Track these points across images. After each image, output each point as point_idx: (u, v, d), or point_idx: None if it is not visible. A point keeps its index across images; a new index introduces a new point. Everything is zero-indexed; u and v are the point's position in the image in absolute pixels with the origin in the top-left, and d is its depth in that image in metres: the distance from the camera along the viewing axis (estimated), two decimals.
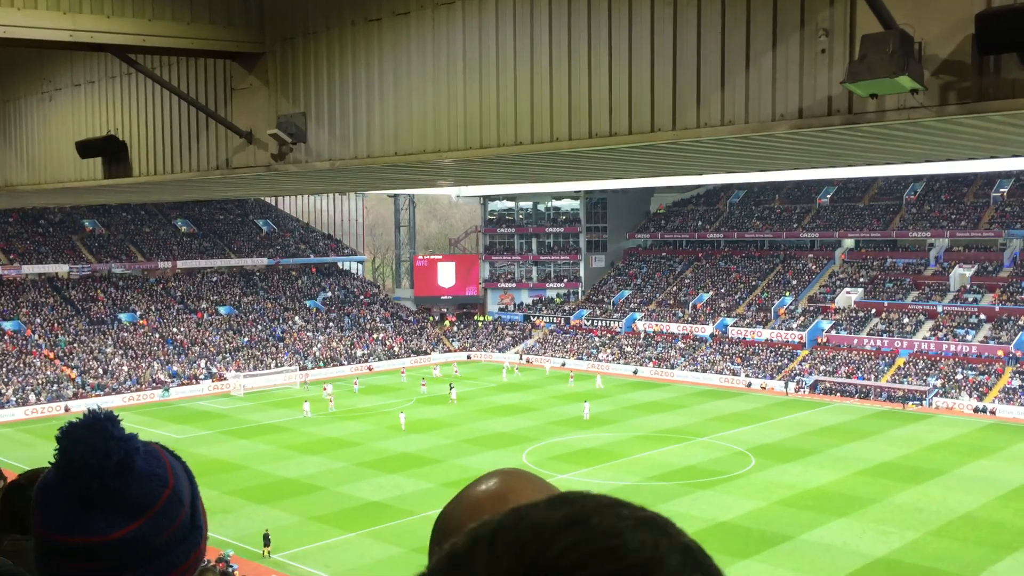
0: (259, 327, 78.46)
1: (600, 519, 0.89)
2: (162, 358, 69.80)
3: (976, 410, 57.89)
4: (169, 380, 67.23)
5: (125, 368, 66.96)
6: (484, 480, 1.41)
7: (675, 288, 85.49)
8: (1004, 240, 72.81)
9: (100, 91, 17.79)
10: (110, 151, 17.11)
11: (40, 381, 62.73)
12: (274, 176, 15.99)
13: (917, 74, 8.56)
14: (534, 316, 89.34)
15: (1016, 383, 59.67)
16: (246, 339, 75.88)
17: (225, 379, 68.59)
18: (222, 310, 79.15)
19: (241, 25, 14.40)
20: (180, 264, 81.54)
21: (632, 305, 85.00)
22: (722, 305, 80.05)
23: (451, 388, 63.56)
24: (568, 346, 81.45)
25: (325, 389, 62.32)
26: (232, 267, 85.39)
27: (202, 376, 68.88)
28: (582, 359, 77.93)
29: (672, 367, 73.14)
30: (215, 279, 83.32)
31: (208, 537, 1.76)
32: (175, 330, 74.23)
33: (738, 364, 71.02)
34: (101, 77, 17.70)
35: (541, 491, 1.38)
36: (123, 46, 13.88)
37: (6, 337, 66.90)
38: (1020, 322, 64.91)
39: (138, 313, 74.73)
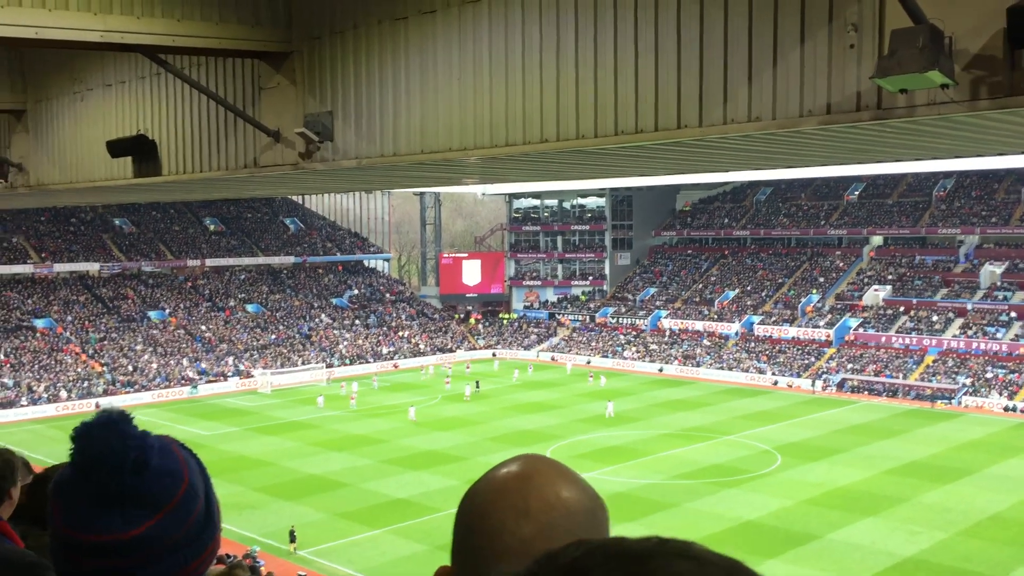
0: (286, 325, 79.00)
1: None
2: (191, 355, 70.47)
3: (1006, 409, 57.22)
4: (197, 377, 67.87)
5: (155, 365, 67.67)
6: (508, 463, 1.46)
7: (701, 286, 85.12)
8: None
9: (130, 91, 17.99)
10: (140, 150, 17.30)
11: (71, 378, 63.54)
12: (301, 175, 16.10)
13: (947, 69, 8.48)
14: (559, 314, 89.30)
15: None
16: (273, 336, 76.45)
17: (252, 376, 69.15)
18: (250, 308, 79.79)
19: (268, 25, 14.51)
20: (208, 262, 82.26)
21: (658, 303, 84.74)
22: (748, 303, 79.62)
23: (477, 385, 63.82)
24: (593, 344, 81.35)
25: (342, 387, 62.65)
26: (260, 265, 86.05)
27: (230, 373, 69.48)
28: (607, 357, 77.82)
29: (698, 365, 72.86)
30: (243, 277, 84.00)
31: (222, 529, 1.78)
32: (203, 328, 74.90)
33: (764, 362, 70.62)
34: (131, 77, 17.90)
35: (563, 474, 1.41)
36: (153, 46, 14.03)
37: (38, 334, 67.82)
38: None
39: (167, 311, 75.50)
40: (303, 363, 73.13)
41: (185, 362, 69.32)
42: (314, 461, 45.20)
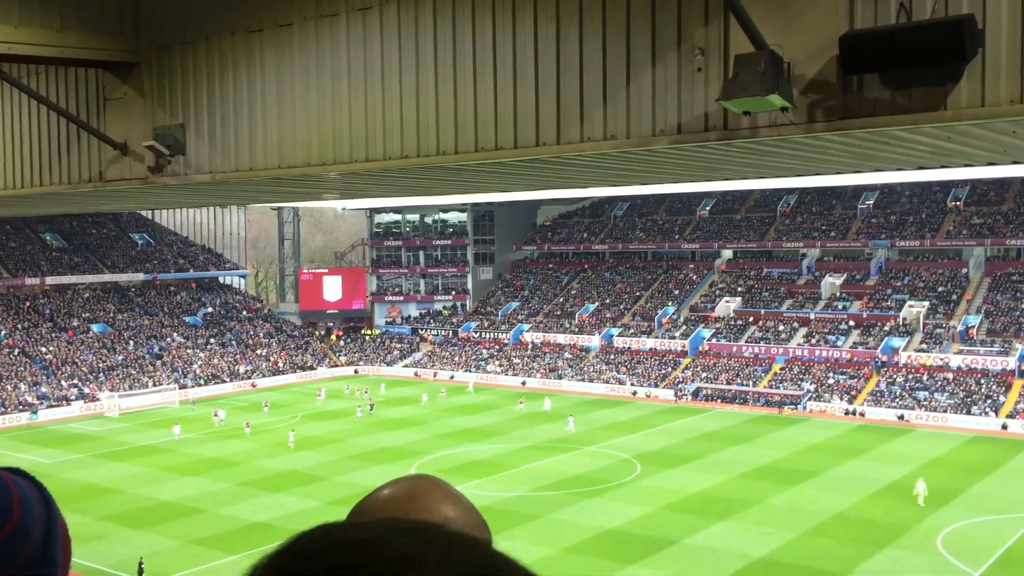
0: (135, 345, 75.57)
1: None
2: (29, 379, 66.39)
3: (847, 412, 60.61)
4: (37, 402, 63.99)
5: None
6: (395, 482, 1.46)
7: (562, 299, 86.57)
8: (870, 250, 76.65)
9: None
10: None
11: None
12: (151, 189, 15.47)
13: (787, 93, 8.95)
14: (422, 329, 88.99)
15: (883, 386, 62.80)
16: (120, 357, 72.96)
17: (98, 400, 65.74)
18: (95, 328, 75.91)
19: (114, 33, 13.90)
20: (49, 280, 77.89)
21: (520, 317, 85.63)
22: (607, 315, 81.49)
23: (371, 408, 62.01)
24: (456, 359, 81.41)
25: (216, 415, 59.55)
26: (106, 283, 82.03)
27: (73, 397, 65.84)
28: (471, 371, 78.00)
29: (560, 377, 73.99)
30: (87, 295, 79.88)
31: (69, 566, 1.65)
32: (44, 349, 70.76)
33: (624, 373, 72.38)
34: None
35: (448, 495, 1.43)
36: None
37: None
38: (886, 328, 68.37)
39: (3, 332, 70.92)
40: (154, 384, 70.07)
41: (23, 386, 65.23)
42: (166, 487, 43.34)
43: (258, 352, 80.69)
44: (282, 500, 40.67)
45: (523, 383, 73.86)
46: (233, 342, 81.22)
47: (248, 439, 53.89)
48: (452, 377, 76.86)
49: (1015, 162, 13.55)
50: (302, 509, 39.02)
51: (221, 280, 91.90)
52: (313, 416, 61.39)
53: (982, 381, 60.40)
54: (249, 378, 75.87)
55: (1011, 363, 60.81)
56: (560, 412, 60.04)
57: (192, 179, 14.17)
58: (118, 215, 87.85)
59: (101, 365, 70.95)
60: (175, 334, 79.27)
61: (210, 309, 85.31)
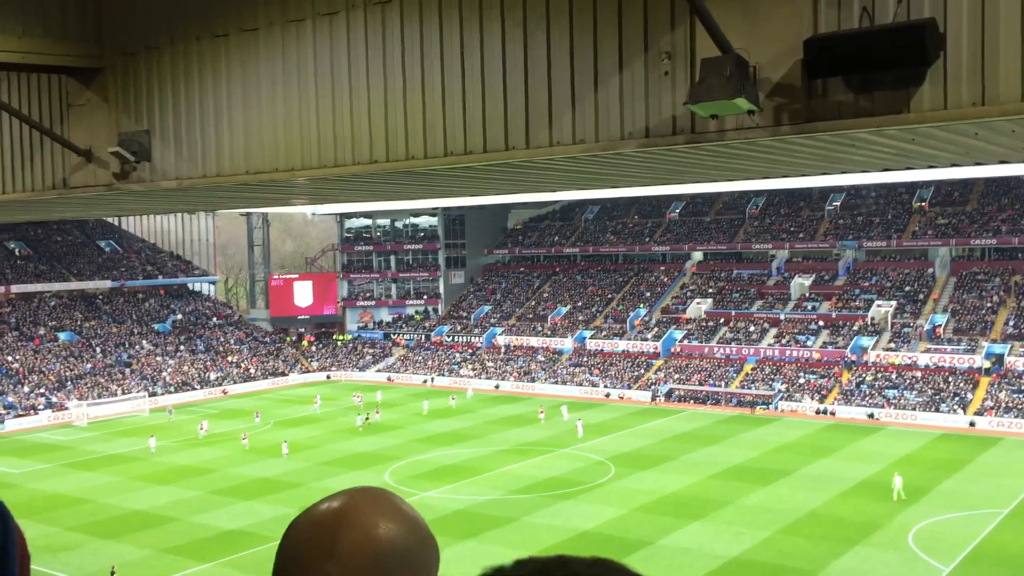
0: (103, 353, 74.69)
1: None
2: None
3: (818, 412, 61.14)
4: (4, 411, 63.08)
5: None
6: (332, 497, 1.45)
7: (534, 302, 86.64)
8: (838, 251, 77.42)
9: None
10: None
11: None
12: (117, 196, 15.31)
13: (753, 96, 9.01)
14: (394, 334, 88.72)
15: (853, 385, 63.41)
16: (89, 366, 72.09)
17: (66, 408, 64.90)
18: (62, 336, 74.96)
19: (77, 39, 13.74)
20: (14, 288, 76.85)
21: (492, 320, 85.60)
22: (580, 318, 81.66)
23: (367, 417, 60.13)
24: (429, 363, 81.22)
25: (202, 427, 58.14)
26: (72, 291, 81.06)
27: (41, 406, 64.96)
28: (444, 375, 77.87)
29: (533, 380, 74.03)
30: (53, 303, 78.87)
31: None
32: (10, 358, 69.77)
33: (596, 375, 72.56)
34: None
35: (382, 510, 1.41)
36: None
37: None
38: (855, 327, 69.05)
39: None
40: (123, 393, 69.30)
41: None
42: (137, 496, 42.87)
43: (229, 359, 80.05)
44: (255, 507, 40.37)
45: (496, 386, 73.83)
46: (203, 349, 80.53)
47: (220, 446, 53.39)
48: (425, 382, 76.64)
49: (978, 163, 13.74)
50: (276, 516, 38.73)
51: (190, 287, 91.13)
52: (303, 421, 60.94)
53: (950, 379, 61.17)
54: (220, 385, 75.23)
55: (978, 361, 61.64)
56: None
57: (158, 185, 14.03)
58: (84, 222, 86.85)
59: (69, 374, 70.08)
60: (144, 341, 78.47)
61: (179, 316, 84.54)
